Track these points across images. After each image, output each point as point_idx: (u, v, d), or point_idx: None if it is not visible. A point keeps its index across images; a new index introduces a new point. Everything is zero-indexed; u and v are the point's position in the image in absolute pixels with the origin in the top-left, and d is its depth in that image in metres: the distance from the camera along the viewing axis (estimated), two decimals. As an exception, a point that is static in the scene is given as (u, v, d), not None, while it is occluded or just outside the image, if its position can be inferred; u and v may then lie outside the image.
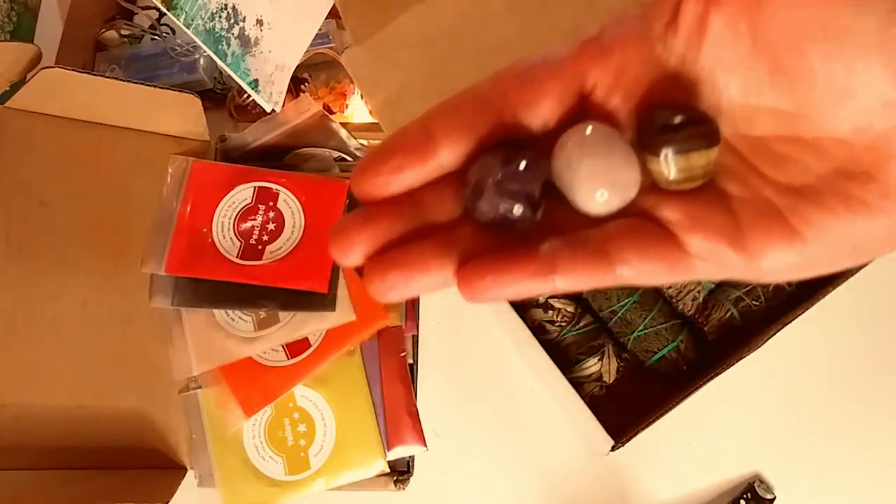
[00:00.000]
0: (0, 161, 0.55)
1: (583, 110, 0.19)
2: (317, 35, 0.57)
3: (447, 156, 0.19)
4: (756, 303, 0.57)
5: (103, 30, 0.68)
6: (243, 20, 0.56)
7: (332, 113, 0.63)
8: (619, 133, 0.19)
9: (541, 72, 0.19)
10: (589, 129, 0.18)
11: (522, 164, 0.18)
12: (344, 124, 0.58)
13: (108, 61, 0.67)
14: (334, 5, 0.52)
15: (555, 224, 0.19)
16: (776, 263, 0.18)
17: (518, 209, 0.18)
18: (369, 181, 0.18)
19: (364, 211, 0.18)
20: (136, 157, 0.58)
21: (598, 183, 0.18)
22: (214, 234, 0.54)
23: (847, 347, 0.61)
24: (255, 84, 0.56)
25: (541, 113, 0.19)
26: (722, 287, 0.59)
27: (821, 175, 0.17)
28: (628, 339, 0.58)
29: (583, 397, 0.52)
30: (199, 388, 0.54)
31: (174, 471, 0.55)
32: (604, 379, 0.57)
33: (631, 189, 0.18)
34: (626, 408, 0.54)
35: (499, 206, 0.18)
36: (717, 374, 0.50)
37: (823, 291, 0.52)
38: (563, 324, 0.58)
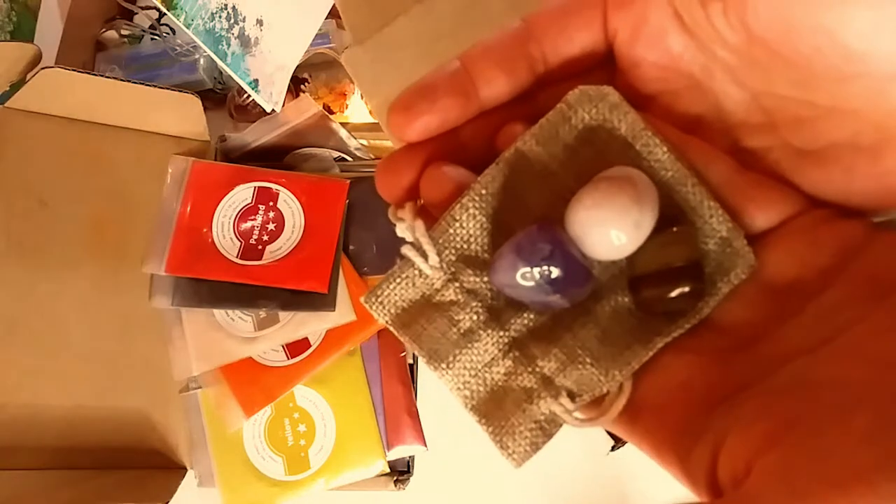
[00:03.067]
0: (0, 161, 0.55)
1: (610, 58, 0.19)
2: (317, 35, 0.56)
3: (487, 93, 0.19)
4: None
5: (103, 30, 0.68)
6: (243, 20, 0.56)
7: (332, 113, 0.63)
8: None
9: (571, 10, 0.19)
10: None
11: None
12: (344, 124, 0.58)
13: (108, 61, 0.67)
14: (334, 5, 0.51)
15: None
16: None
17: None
18: (411, 123, 0.18)
19: (408, 147, 0.19)
20: (136, 157, 0.58)
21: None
22: (214, 234, 0.54)
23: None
24: (255, 84, 0.56)
25: (571, 48, 0.19)
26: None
27: (833, 142, 0.17)
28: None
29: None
30: (199, 388, 0.54)
31: (174, 471, 0.55)
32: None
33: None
34: (626, 408, 0.54)
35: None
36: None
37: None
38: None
